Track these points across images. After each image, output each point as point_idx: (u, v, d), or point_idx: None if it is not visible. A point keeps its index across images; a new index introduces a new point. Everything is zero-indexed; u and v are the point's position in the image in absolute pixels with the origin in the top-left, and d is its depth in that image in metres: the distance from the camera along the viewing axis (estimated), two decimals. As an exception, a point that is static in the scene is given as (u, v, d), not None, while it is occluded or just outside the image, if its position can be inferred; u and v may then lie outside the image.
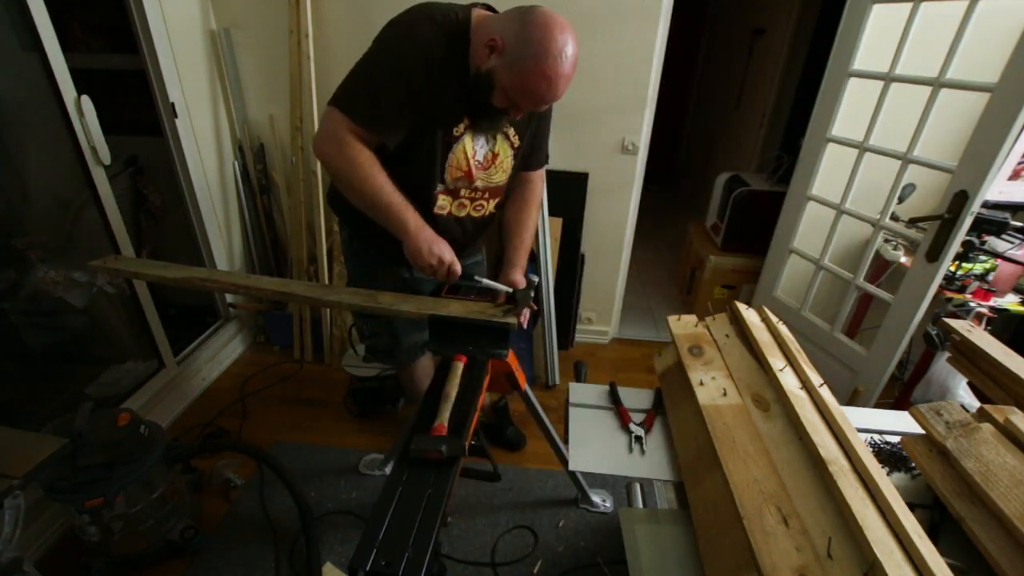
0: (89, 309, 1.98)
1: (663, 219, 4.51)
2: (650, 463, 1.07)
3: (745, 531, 0.78)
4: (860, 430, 1.02)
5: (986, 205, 1.75)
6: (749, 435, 0.97)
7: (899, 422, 1.16)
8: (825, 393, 1.02)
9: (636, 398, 1.25)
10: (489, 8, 1.22)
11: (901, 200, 1.94)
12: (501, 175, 1.34)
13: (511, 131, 1.29)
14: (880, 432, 1.13)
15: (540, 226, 2.18)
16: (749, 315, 1.29)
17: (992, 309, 1.76)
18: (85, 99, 1.68)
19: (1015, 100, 1.44)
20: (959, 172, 1.60)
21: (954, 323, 1.26)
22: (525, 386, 1.42)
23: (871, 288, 1.99)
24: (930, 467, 0.92)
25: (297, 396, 2.31)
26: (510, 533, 1.70)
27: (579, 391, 1.27)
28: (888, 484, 0.80)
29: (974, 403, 1.69)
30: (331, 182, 1.39)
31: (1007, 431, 0.92)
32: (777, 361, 1.11)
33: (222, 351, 2.48)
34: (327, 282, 2.36)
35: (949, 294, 1.79)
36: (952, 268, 1.79)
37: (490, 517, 1.75)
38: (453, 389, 1.05)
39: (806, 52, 3.09)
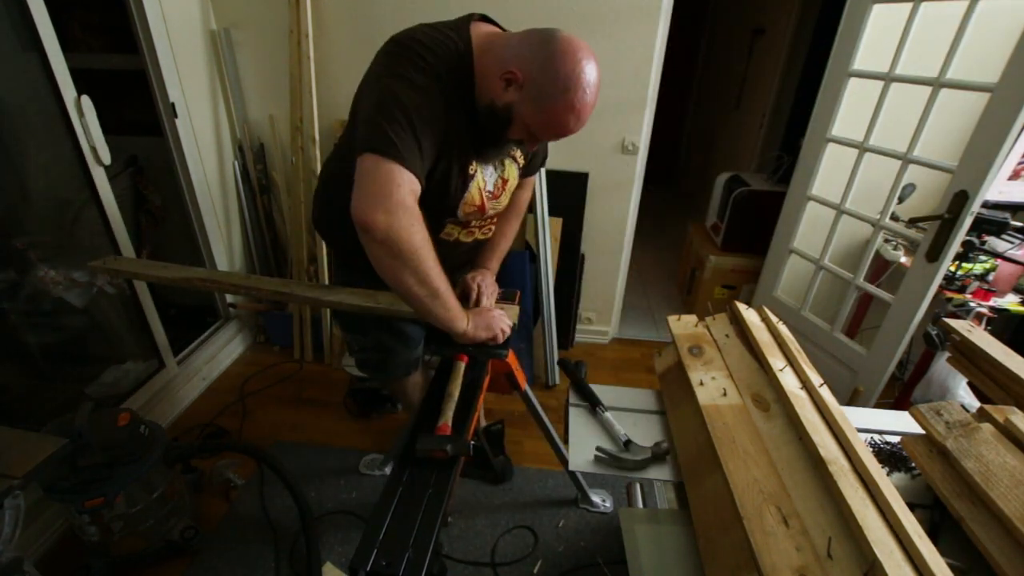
0: (89, 309, 1.97)
1: (663, 219, 4.51)
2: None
3: (745, 531, 0.78)
4: (860, 430, 1.02)
5: (986, 205, 1.75)
6: (749, 435, 0.97)
7: (899, 422, 1.16)
8: (825, 393, 1.02)
9: (636, 398, 1.26)
10: (486, 19, 1.10)
11: (901, 200, 1.94)
12: (505, 199, 1.28)
13: (517, 152, 1.23)
14: (880, 432, 1.13)
15: (540, 226, 2.18)
16: (749, 315, 1.29)
17: (992, 309, 1.76)
18: (85, 99, 1.68)
19: (1015, 100, 1.44)
20: (959, 172, 1.60)
21: (954, 323, 1.26)
22: (525, 386, 1.42)
23: (871, 288, 1.99)
24: (930, 467, 0.92)
25: (297, 396, 2.31)
26: (510, 533, 1.70)
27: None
28: (888, 484, 0.80)
29: (974, 403, 1.69)
30: (318, 203, 1.28)
31: (1007, 431, 0.92)
32: (777, 361, 1.11)
33: (222, 351, 2.48)
34: (327, 282, 2.36)
35: (949, 294, 1.79)
36: (952, 268, 1.79)
37: (490, 517, 1.76)
38: (456, 389, 1.06)
39: (806, 52, 3.09)
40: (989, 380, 1.16)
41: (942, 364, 1.73)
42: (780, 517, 0.80)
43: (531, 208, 2.12)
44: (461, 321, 1.13)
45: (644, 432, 1.14)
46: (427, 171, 1.02)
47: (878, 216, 1.90)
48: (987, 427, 0.93)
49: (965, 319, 1.63)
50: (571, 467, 1.08)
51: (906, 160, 1.77)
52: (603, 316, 2.72)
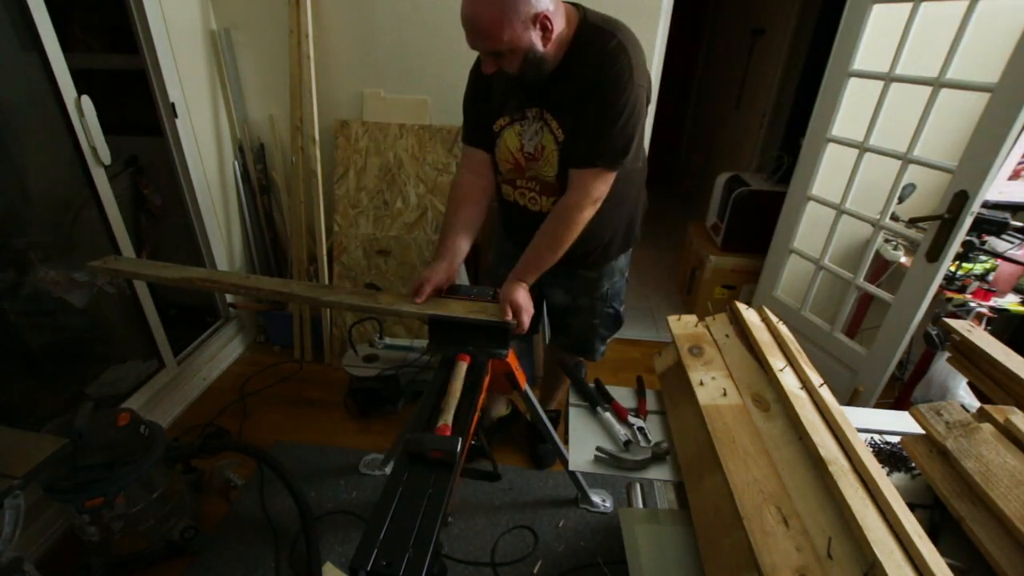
0: (89, 309, 1.98)
1: (663, 219, 4.51)
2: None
3: (745, 531, 0.78)
4: (860, 430, 1.02)
5: (986, 205, 1.74)
6: (749, 435, 0.97)
7: (899, 422, 1.16)
8: (825, 393, 1.02)
9: (636, 397, 1.26)
10: None
11: (901, 200, 1.94)
12: (549, 169, 1.32)
13: (554, 124, 1.26)
14: (880, 432, 1.13)
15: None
16: (749, 315, 1.29)
17: (992, 309, 1.76)
18: (85, 99, 1.68)
19: (1015, 100, 1.44)
20: (959, 172, 1.60)
21: (954, 323, 1.26)
22: (525, 386, 1.42)
23: (871, 288, 1.99)
24: (930, 467, 0.92)
25: (297, 396, 2.31)
26: (510, 533, 1.70)
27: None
28: (888, 484, 0.80)
29: (974, 403, 1.69)
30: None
31: (1007, 431, 0.92)
32: (777, 361, 1.11)
33: (222, 351, 2.48)
34: (327, 282, 2.36)
35: (949, 294, 1.79)
36: (952, 268, 1.79)
37: (490, 517, 1.75)
38: (458, 388, 1.05)
39: (806, 52, 3.09)
40: (989, 380, 1.16)
41: (942, 364, 1.73)
42: (780, 517, 0.80)
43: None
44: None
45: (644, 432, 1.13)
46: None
47: (878, 216, 1.90)
48: (987, 427, 0.93)
49: (965, 319, 1.63)
50: (571, 467, 1.08)
51: (906, 160, 1.77)
52: (603, 316, 2.72)
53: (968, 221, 1.60)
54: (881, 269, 2.11)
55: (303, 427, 2.14)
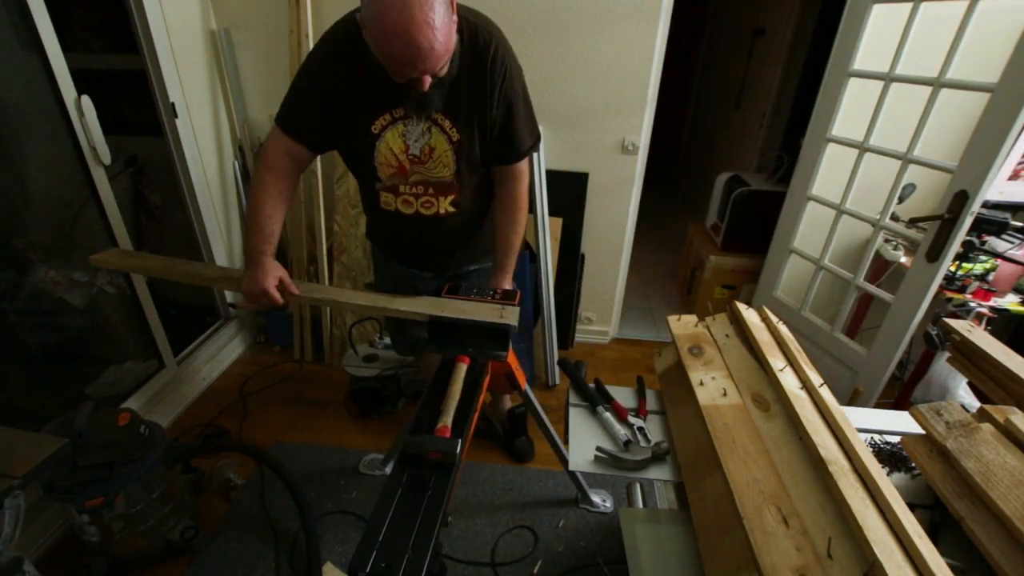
0: (89, 309, 1.98)
1: (663, 219, 4.51)
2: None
3: (745, 531, 0.78)
4: (860, 430, 1.02)
5: (986, 205, 1.74)
6: (749, 435, 0.97)
7: (899, 422, 1.16)
8: (825, 393, 1.01)
9: (636, 397, 1.26)
10: None
11: (901, 200, 1.94)
12: (443, 170, 1.24)
13: (447, 124, 1.18)
14: (880, 432, 1.13)
15: (540, 226, 2.18)
16: (749, 315, 1.29)
17: (992, 309, 1.76)
18: (85, 99, 1.68)
19: (1015, 100, 1.44)
20: (959, 172, 1.60)
21: (954, 323, 1.26)
22: (525, 386, 1.42)
23: (871, 288, 1.99)
24: (930, 467, 0.92)
25: (297, 396, 2.31)
26: (510, 533, 1.70)
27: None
28: (888, 484, 0.80)
29: (974, 403, 1.69)
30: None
31: (1007, 431, 0.92)
32: (777, 361, 1.11)
33: (222, 351, 2.48)
34: (327, 282, 2.36)
35: (949, 294, 1.79)
36: (952, 268, 1.79)
37: (490, 517, 1.75)
38: (457, 390, 1.05)
39: (806, 52, 3.09)
40: (989, 380, 1.16)
41: (942, 364, 1.73)
42: (780, 517, 0.80)
43: (531, 208, 2.11)
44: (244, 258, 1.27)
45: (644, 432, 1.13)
46: (316, 128, 1.19)
47: (878, 216, 1.90)
48: (987, 427, 0.93)
49: (965, 319, 1.63)
50: (571, 467, 1.08)
51: (906, 160, 1.77)
52: (603, 316, 2.72)
53: (968, 221, 1.60)
54: (881, 269, 2.11)
55: (303, 427, 2.14)
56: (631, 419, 1.16)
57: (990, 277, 1.78)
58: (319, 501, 1.78)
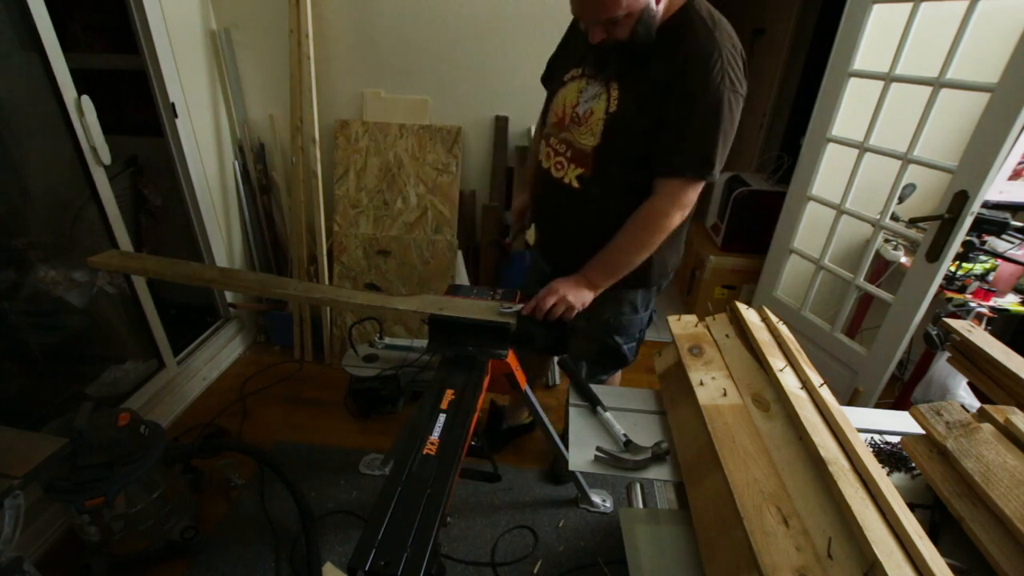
0: (89, 309, 1.98)
1: (663, 219, 4.50)
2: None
3: (745, 531, 0.78)
4: (860, 430, 1.02)
5: (986, 205, 1.74)
6: (749, 435, 0.96)
7: (899, 422, 1.16)
8: (825, 393, 1.01)
9: (636, 398, 1.26)
10: None
11: (901, 200, 1.94)
12: (589, 138, 1.21)
13: (615, 93, 1.16)
14: (880, 432, 1.13)
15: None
16: (749, 315, 1.29)
17: (992, 309, 1.76)
18: (85, 99, 1.68)
19: (1015, 100, 1.44)
20: (959, 172, 1.60)
21: (954, 323, 1.26)
22: (525, 386, 1.42)
23: (871, 288, 1.99)
24: (930, 467, 0.92)
25: (297, 396, 2.31)
26: (510, 533, 1.70)
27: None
28: (888, 484, 0.80)
29: (974, 403, 1.69)
30: None
31: (1007, 431, 0.92)
32: (777, 361, 1.11)
33: (222, 351, 2.48)
34: (327, 282, 2.36)
35: (949, 294, 1.79)
36: (952, 268, 1.79)
37: (490, 517, 1.75)
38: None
39: (806, 52, 3.09)
40: (989, 380, 1.16)
41: (942, 364, 1.73)
42: (780, 517, 0.80)
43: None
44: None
45: (644, 432, 1.13)
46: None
47: (878, 216, 1.90)
48: (987, 427, 0.93)
49: (965, 319, 1.63)
50: (571, 467, 1.08)
51: (906, 160, 1.77)
52: (603, 316, 2.71)
53: (968, 221, 1.60)
54: (881, 269, 2.11)
55: (303, 427, 2.13)
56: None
57: (990, 277, 1.78)
58: (319, 501, 1.78)
